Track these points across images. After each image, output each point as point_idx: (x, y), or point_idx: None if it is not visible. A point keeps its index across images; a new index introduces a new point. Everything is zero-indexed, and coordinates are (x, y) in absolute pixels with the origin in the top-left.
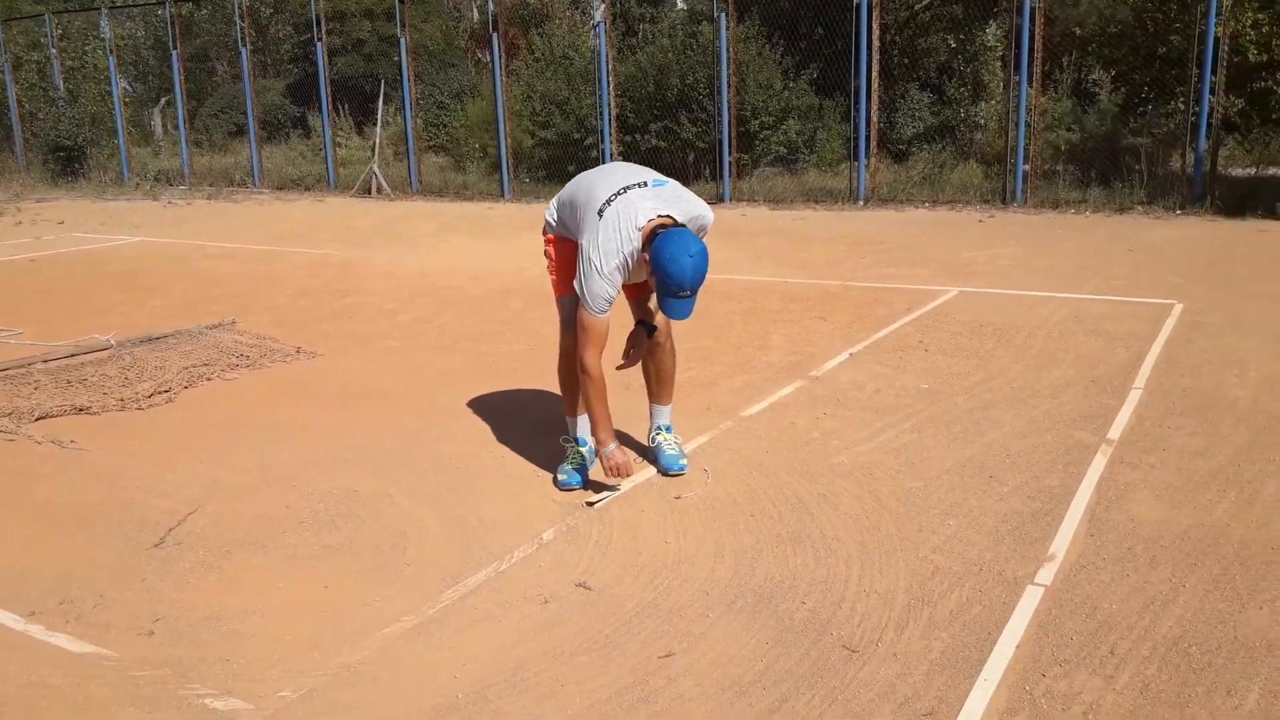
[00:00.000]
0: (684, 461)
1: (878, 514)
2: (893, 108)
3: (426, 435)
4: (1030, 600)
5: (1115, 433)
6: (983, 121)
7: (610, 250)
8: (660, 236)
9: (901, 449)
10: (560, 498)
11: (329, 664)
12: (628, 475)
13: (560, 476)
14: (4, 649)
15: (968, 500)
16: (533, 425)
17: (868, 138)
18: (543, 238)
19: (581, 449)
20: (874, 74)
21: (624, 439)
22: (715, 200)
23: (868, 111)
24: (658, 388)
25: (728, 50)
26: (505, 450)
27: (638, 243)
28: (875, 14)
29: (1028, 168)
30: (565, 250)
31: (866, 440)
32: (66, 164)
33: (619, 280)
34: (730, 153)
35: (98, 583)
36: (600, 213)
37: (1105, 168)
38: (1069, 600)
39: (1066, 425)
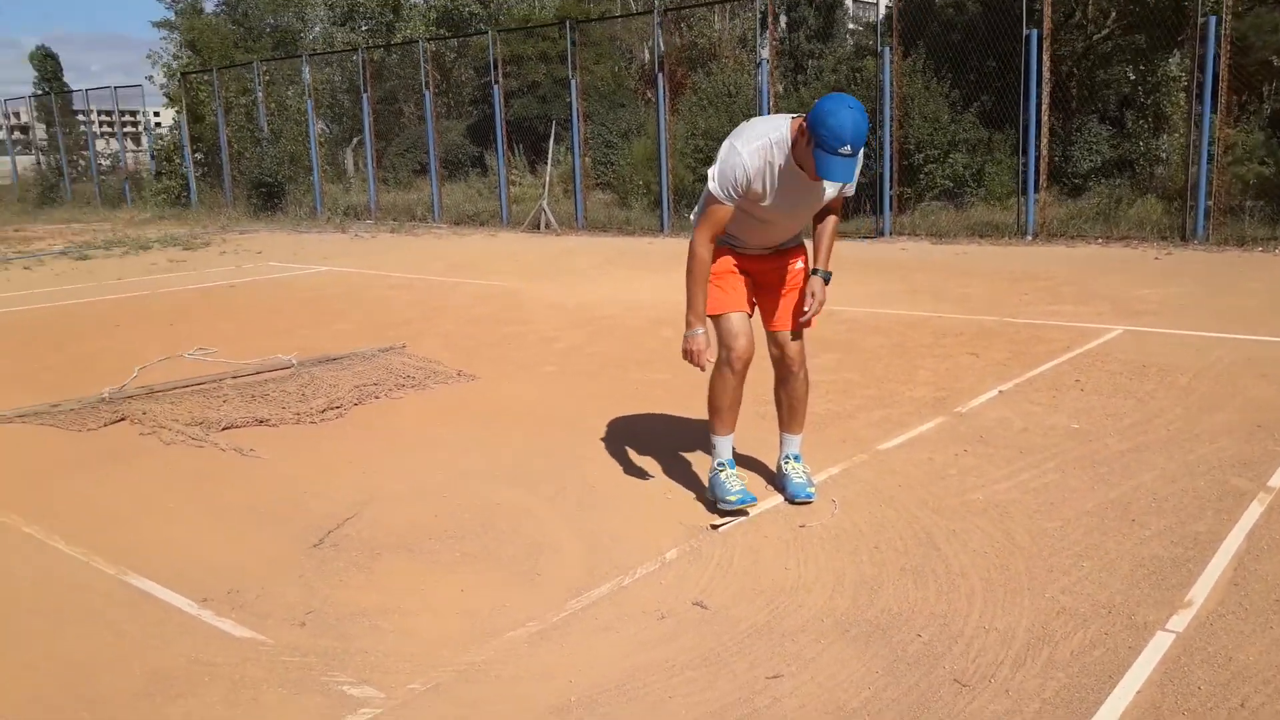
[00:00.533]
0: (811, 490)
1: (1008, 552)
2: (1069, 141)
3: (569, 455)
4: (1159, 647)
5: (1276, 481)
6: (1164, 155)
7: (756, 134)
8: (820, 100)
9: (1042, 489)
10: (687, 519)
11: (457, 661)
12: (700, 362)
13: (731, 498)
14: (177, 629)
15: (1105, 543)
16: (669, 449)
17: (1037, 171)
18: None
19: (732, 470)
20: (1044, 106)
21: (753, 464)
22: (875, 234)
23: (1037, 144)
24: (789, 417)
25: (891, 84)
26: (640, 471)
27: (785, 131)
28: (1046, 45)
29: (1210, 203)
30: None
31: (1006, 479)
32: (267, 199)
33: (758, 164)
34: (892, 186)
35: (262, 576)
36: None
37: None
38: (1202, 649)
39: (1223, 470)
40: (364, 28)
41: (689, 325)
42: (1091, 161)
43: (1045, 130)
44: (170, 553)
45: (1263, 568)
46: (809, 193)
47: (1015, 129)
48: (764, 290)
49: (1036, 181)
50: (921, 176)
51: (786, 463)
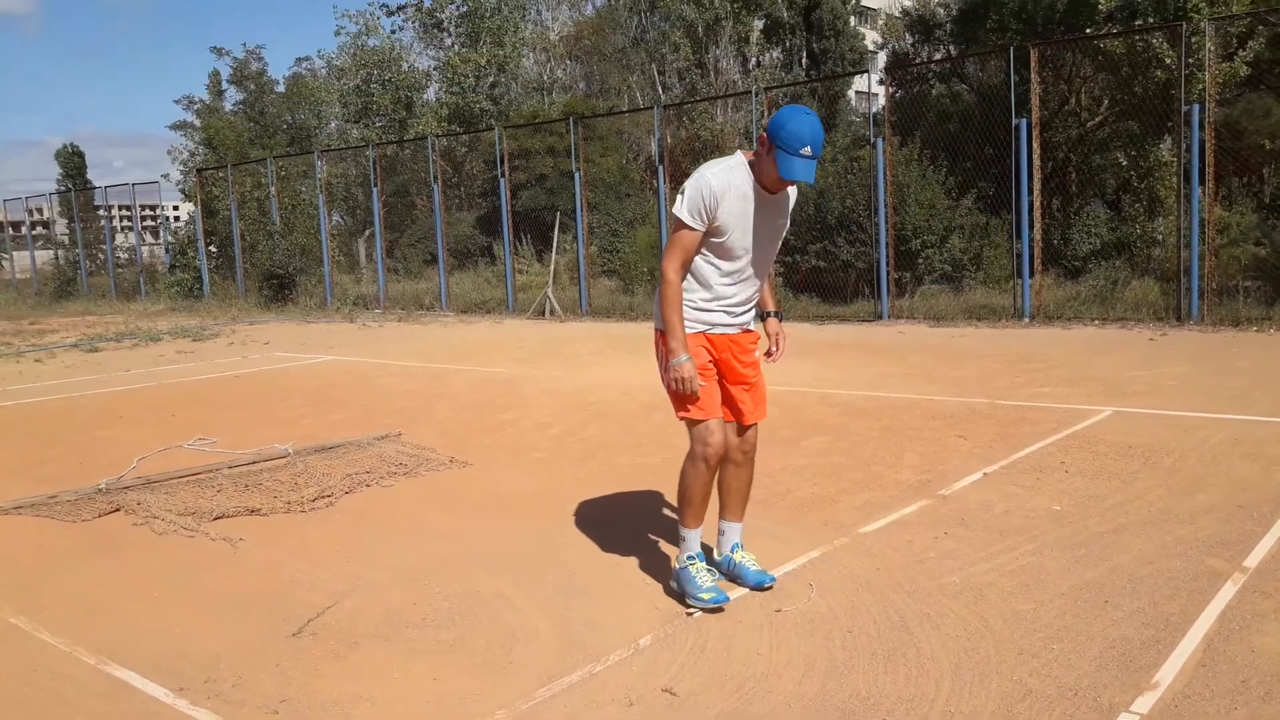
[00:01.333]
0: (770, 574)
1: (980, 635)
2: (1068, 224)
3: (552, 541)
4: None
5: (1253, 560)
6: (1160, 237)
7: (718, 162)
8: (778, 111)
9: (1019, 571)
10: (663, 605)
11: None
12: (692, 390)
13: (705, 597)
14: (153, 719)
15: (1077, 625)
16: (652, 534)
17: (1032, 255)
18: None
19: (702, 564)
20: (1035, 192)
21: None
22: (873, 318)
23: (1031, 229)
24: (737, 503)
25: (885, 173)
26: (621, 557)
27: (742, 156)
28: (1036, 133)
29: (1203, 284)
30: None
31: (983, 561)
32: (278, 290)
33: (723, 183)
34: (888, 271)
35: (239, 665)
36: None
37: None
38: None
39: (1200, 551)
40: (378, 124)
41: (673, 354)
42: (1090, 244)
43: (1039, 215)
44: (152, 642)
45: (1232, 648)
46: (770, 221)
47: (1012, 214)
48: (730, 383)
49: (1032, 265)
50: (919, 261)
51: (736, 553)
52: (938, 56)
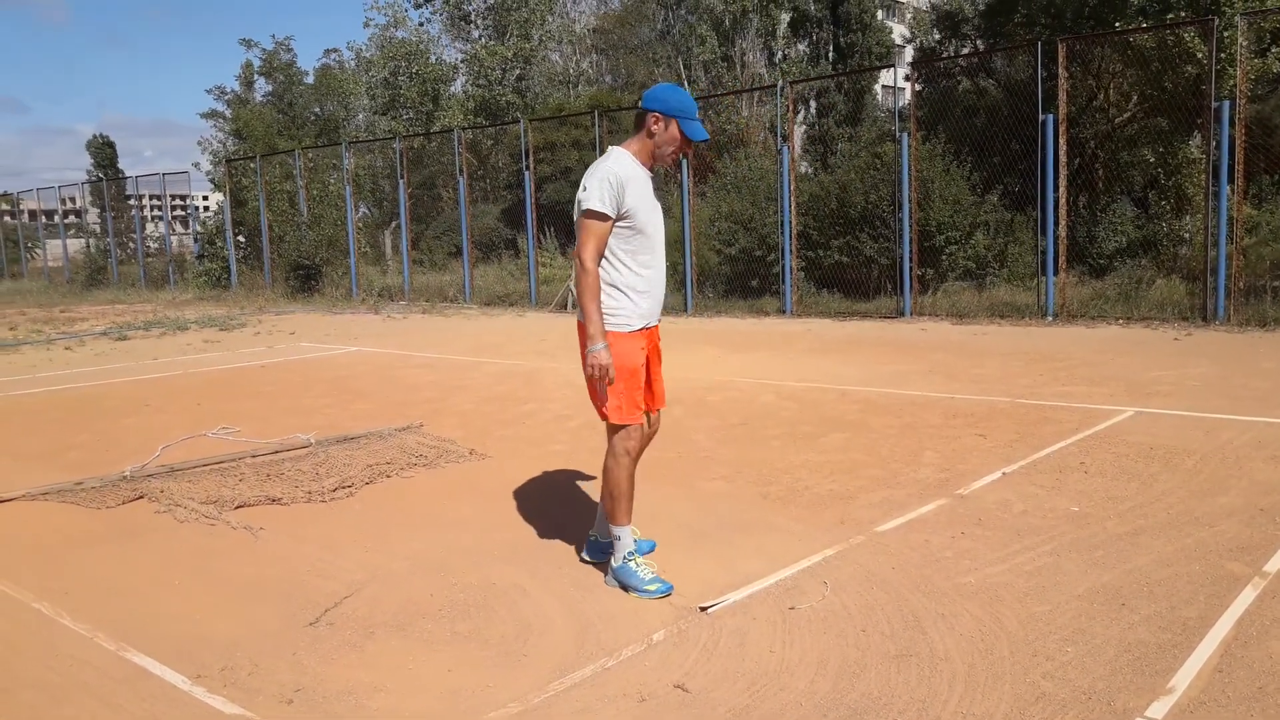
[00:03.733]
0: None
1: (994, 636)
2: (1094, 221)
3: (569, 533)
4: None
5: (1274, 565)
6: (1187, 236)
7: (608, 156)
8: (650, 93)
9: (1035, 572)
10: (677, 600)
11: None
12: (606, 377)
13: (651, 589)
14: (169, 705)
15: (1093, 627)
16: (668, 528)
17: (1057, 252)
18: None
19: (640, 558)
20: (1061, 188)
21: (768, 548)
22: (896, 315)
23: (1056, 226)
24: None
25: (909, 168)
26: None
27: (623, 148)
28: (1062, 129)
29: (1230, 283)
30: (623, 363)
31: (1000, 561)
32: (304, 281)
33: (624, 170)
34: (912, 267)
35: (256, 653)
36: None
37: None
38: None
39: (1219, 555)
40: (405, 116)
41: (592, 341)
42: (1116, 242)
43: (1064, 212)
44: (171, 629)
45: (1249, 654)
46: (656, 203)
47: (1037, 210)
48: (652, 372)
49: (1056, 263)
50: (943, 257)
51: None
52: (965, 51)
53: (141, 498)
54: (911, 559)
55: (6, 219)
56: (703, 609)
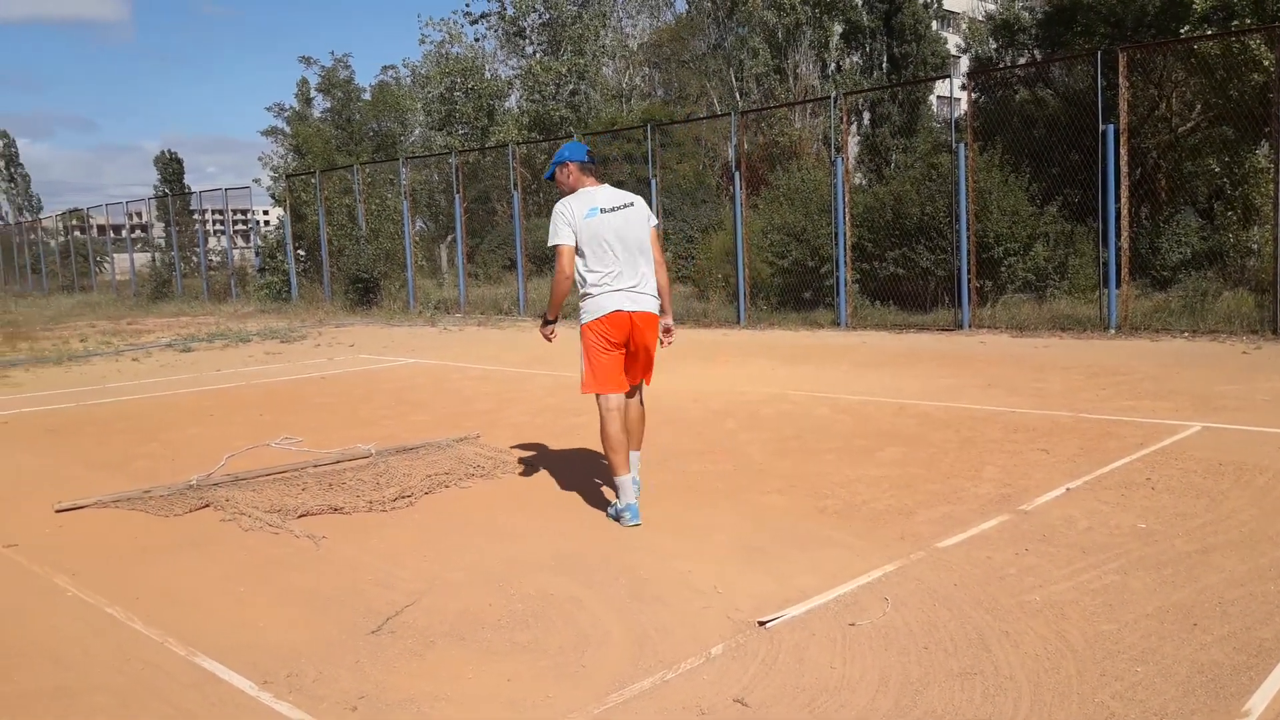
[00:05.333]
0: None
1: (1061, 655)
2: (1157, 232)
3: (625, 545)
4: None
5: None
6: (1255, 246)
7: (557, 211)
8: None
9: (1102, 590)
10: (735, 614)
11: None
12: (550, 339)
13: (627, 515)
14: (238, 710)
15: (1163, 647)
16: (723, 542)
17: (1119, 264)
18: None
19: (629, 515)
20: (1123, 199)
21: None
22: (954, 327)
23: (1118, 237)
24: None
25: (966, 179)
26: (692, 565)
27: (564, 199)
28: (1124, 139)
29: None
30: (588, 345)
31: (1066, 579)
32: (363, 294)
33: (567, 205)
34: (970, 279)
35: (320, 660)
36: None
37: None
38: None
39: None
40: (460, 132)
41: (545, 322)
42: (1180, 253)
43: (1126, 223)
44: (238, 635)
45: None
46: (614, 214)
47: (1098, 221)
48: (629, 361)
49: (1118, 274)
50: (1002, 269)
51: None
52: (1022, 61)
53: (207, 506)
54: (974, 575)
55: (77, 234)
56: (761, 624)
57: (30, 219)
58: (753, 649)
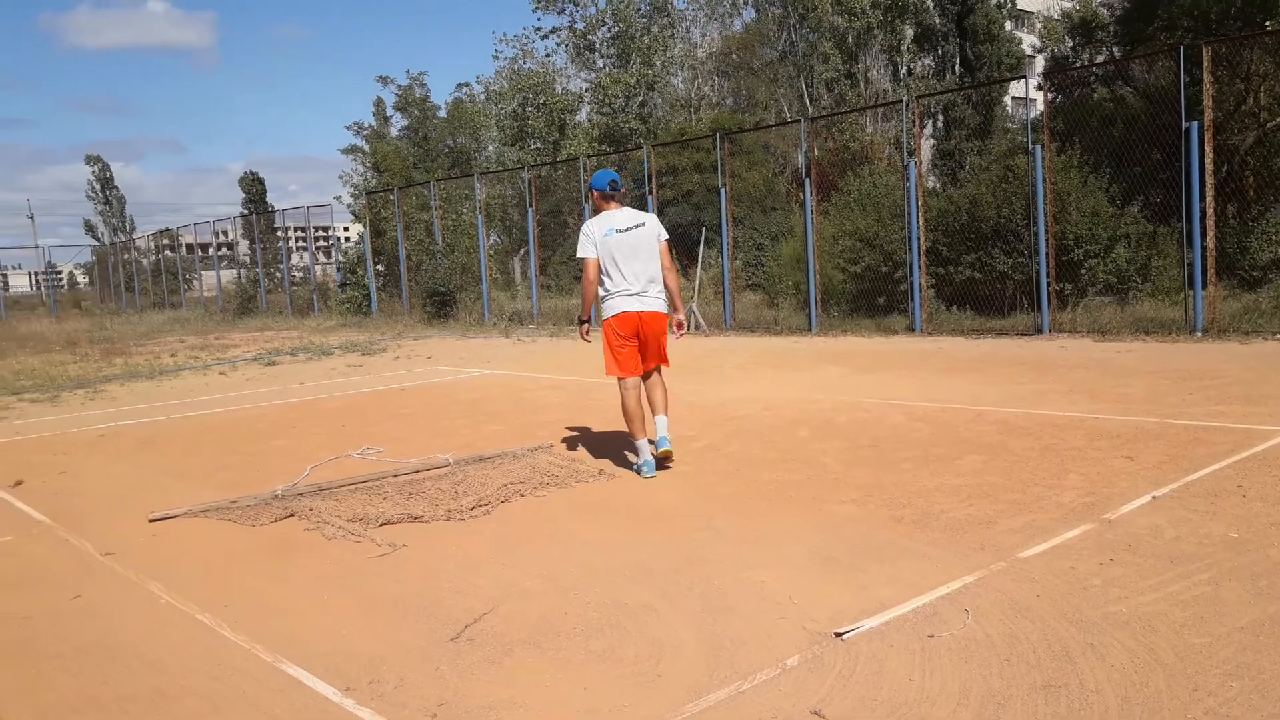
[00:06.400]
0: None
1: (1149, 669)
2: (1245, 231)
3: (698, 555)
4: None
5: None
6: None
7: (583, 230)
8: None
9: (1192, 601)
10: (811, 625)
11: None
12: (584, 338)
13: (645, 469)
14: (322, 716)
15: (1259, 662)
16: (798, 552)
17: (1204, 265)
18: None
19: (647, 471)
20: (1208, 198)
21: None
22: (1034, 332)
23: (1203, 238)
24: (657, 405)
25: (1044, 180)
26: (766, 575)
27: (589, 219)
28: (1208, 136)
29: None
30: (607, 338)
31: (1153, 590)
32: (440, 307)
33: (590, 225)
34: (1049, 282)
35: (401, 667)
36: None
37: None
38: None
39: None
40: (533, 146)
41: (580, 321)
42: (1270, 252)
43: (1212, 223)
44: (321, 641)
45: None
46: (629, 233)
47: (1182, 221)
48: (643, 348)
49: (1204, 275)
50: (1082, 272)
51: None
52: (1100, 59)
53: (292, 515)
54: (1057, 586)
55: (167, 253)
56: (838, 635)
57: (125, 239)
58: (829, 660)
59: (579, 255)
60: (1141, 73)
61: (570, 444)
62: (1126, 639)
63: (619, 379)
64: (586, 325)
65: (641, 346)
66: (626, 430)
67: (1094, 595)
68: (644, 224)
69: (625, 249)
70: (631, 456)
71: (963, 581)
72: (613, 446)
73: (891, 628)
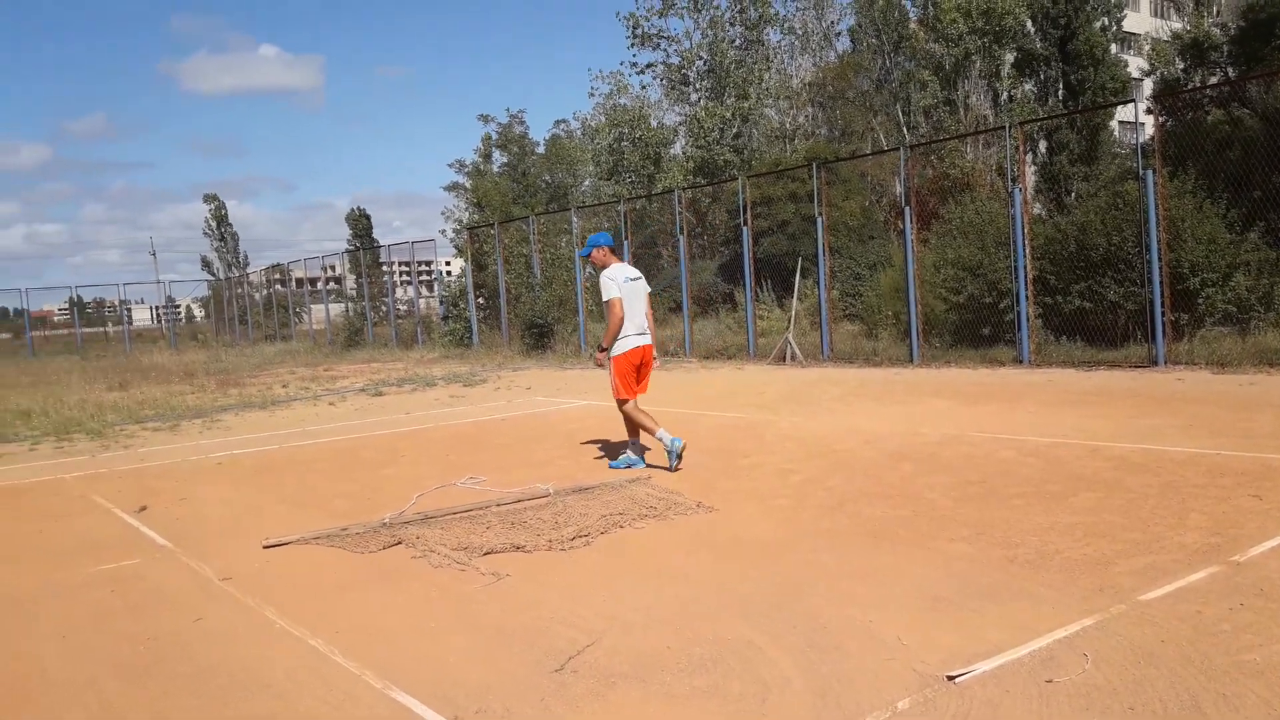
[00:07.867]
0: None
1: None
2: None
3: (802, 591)
4: None
5: None
6: None
7: (606, 273)
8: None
9: None
10: (921, 667)
11: None
12: (600, 364)
13: (674, 443)
14: None
15: None
16: (905, 590)
17: None
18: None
19: (639, 467)
20: None
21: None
22: (1148, 364)
23: None
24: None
25: (1156, 206)
26: (873, 614)
27: (608, 267)
28: None
29: None
30: (620, 369)
31: None
32: (538, 339)
33: (612, 272)
34: (1164, 312)
35: (507, 697)
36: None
37: None
38: None
39: None
40: (628, 180)
41: (603, 350)
42: None
43: None
44: (429, 670)
45: None
46: (635, 282)
47: None
48: (641, 375)
49: None
50: (1199, 301)
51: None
52: (1214, 80)
53: (399, 543)
54: (1182, 632)
55: (278, 287)
56: (950, 678)
57: (238, 274)
58: (942, 704)
59: (607, 298)
60: (1259, 94)
61: (667, 476)
62: (1261, 689)
63: (628, 400)
64: (606, 353)
65: (641, 373)
66: (645, 433)
67: (1224, 642)
68: (640, 277)
69: (632, 295)
70: (775, 534)
71: (1080, 625)
72: (709, 479)
73: (1006, 671)
